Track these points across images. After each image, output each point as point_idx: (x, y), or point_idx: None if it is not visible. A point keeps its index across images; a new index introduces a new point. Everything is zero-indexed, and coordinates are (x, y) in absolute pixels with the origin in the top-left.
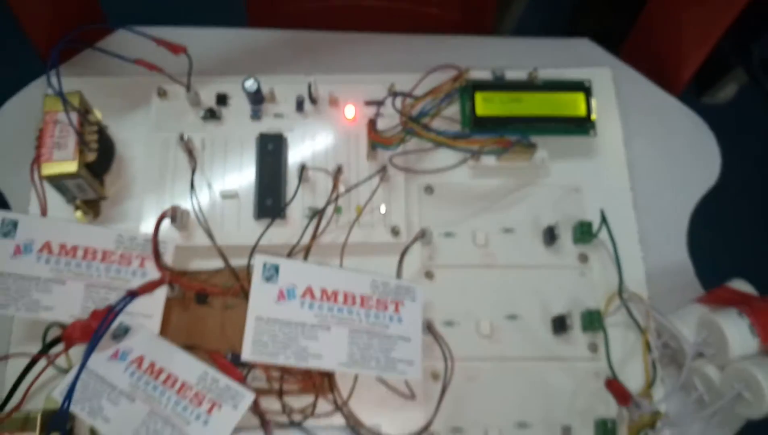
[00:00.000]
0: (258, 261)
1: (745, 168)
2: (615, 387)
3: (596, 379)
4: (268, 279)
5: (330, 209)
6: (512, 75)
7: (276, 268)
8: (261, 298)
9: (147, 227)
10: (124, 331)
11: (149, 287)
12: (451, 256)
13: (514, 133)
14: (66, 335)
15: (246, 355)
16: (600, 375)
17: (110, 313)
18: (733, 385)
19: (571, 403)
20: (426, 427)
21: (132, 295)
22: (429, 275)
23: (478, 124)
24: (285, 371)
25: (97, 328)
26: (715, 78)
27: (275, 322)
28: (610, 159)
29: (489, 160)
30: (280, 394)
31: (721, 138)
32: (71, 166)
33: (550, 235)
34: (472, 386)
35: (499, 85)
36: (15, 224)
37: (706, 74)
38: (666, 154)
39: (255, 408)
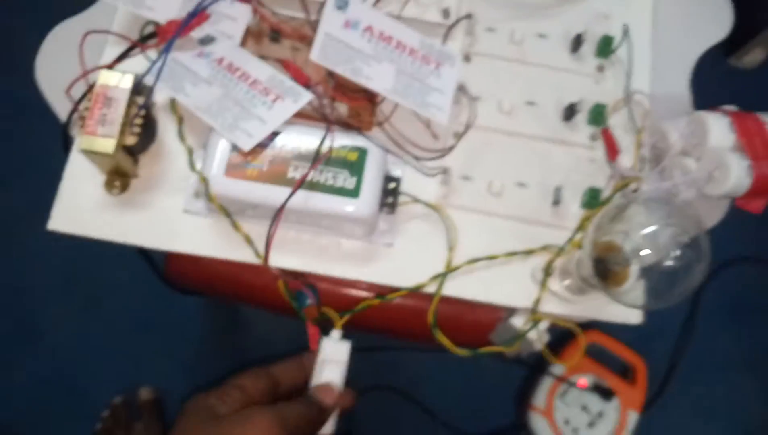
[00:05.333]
0: None
1: None
2: (608, 137)
3: (590, 164)
4: (339, 8)
5: None
6: None
7: (347, 1)
8: (331, 20)
9: None
10: (210, 40)
11: None
12: (489, 47)
13: None
14: (161, 30)
15: (314, 56)
16: (595, 161)
17: (200, 7)
18: (706, 167)
19: (566, 176)
20: (442, 155)
21: None
22: (467, 58)
23: None
24: (338, 92)
25: (187, 17)
26: (743, 41)
27: (339, 41)
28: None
29: None
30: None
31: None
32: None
33: (577, 43)
34: (486, 149)
35: None
36: None
37: (734, 37)
38: (687, 7)
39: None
